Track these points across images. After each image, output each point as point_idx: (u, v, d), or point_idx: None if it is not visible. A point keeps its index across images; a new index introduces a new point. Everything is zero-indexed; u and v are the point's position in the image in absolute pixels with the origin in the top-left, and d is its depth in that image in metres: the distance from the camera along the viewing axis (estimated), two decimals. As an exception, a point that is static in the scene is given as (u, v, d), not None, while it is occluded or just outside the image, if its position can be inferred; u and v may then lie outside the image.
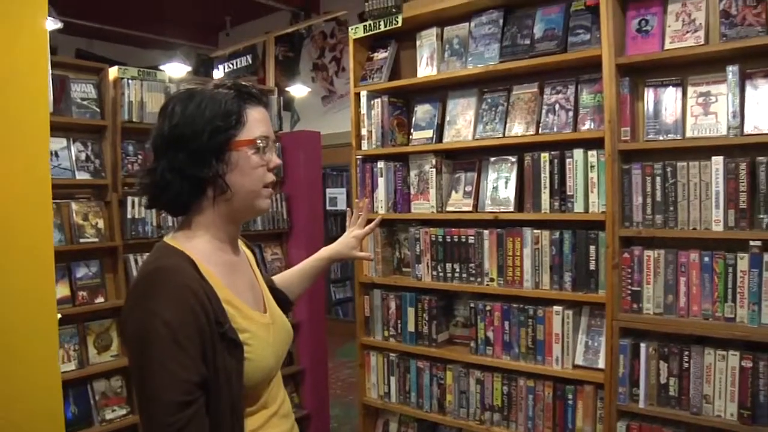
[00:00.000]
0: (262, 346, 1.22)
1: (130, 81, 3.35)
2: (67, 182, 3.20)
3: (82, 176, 3.25)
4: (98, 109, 3.33)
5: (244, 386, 1.16)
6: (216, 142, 1.19)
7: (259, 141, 1.23)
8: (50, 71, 1.34)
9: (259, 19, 7.48)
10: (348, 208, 1.89)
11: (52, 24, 4.17)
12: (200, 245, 1.22)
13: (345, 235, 1.83)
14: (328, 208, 7.69)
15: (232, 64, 7.61)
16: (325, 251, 1.78)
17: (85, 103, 3.29)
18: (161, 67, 5.37)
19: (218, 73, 7.69)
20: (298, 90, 6.69)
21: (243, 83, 1.28)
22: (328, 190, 7.74)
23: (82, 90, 3.29)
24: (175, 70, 5.59)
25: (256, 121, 1.24)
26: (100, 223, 3.28)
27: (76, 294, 3.17)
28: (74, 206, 3.21)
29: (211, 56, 7.81)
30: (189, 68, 5.90)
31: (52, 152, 3.15)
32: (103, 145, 3.34)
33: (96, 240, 3.24)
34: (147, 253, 1.26)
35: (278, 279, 1.68)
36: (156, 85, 3.46)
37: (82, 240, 3.20)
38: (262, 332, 1.24)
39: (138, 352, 1.09)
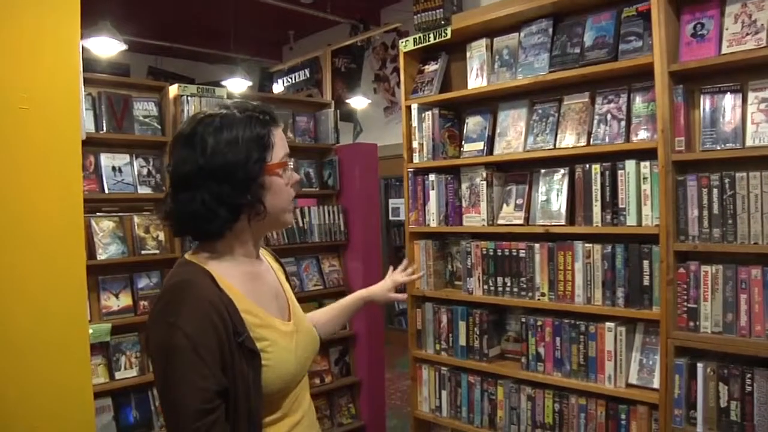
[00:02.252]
0: (282, 354, 1.25)
1: (189, 98, 3.46)
2: (129, 196, 3.33)
3: (143, 191, 3.37)
4: (159, 126, 3.45)
5: (264, 393, 1.20)
6: (256, 168, 1.23)
7: (285, 159, 1.29)
8: (83, 90, 1.39)
9: (321, 32, 7.59)
10: (406, 260, 2.03)
11: (117, 45, 4.37)
12: (220, 259, 1.26)
13: (386, 278, 1.95)
14: (390, 218, 7.68)
15: (291, 78, 7.74)
16: (362, 292, 1.87)
17: (146, 120, 3.42)
18: (223, 83, 5.53)
19: (278, 87, 7.84)
20: (359, 102, 6.74)
21: (260, 105, 1.31)
22: (390, 201, 7.73)
23: (144, 108, 3.42)
24: (237, 85, 5.73)
25: (282, 142, 1.30)
26: (161, 236, 3.39)
27: (138, 303, 3.28)
28: (136, 219, 3.33)
29: (271, 71, 7.97)
30: (250, 83, 6.04)
31: (115, 168, 3.30)
32: (164, 160, 3.46)
33: (157, 252, 3.36)
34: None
35: (310, 316, 1.68)
36: (215, 101, 3.56)
37: (143, 252, 3.32)
38: (283, 340, 1.28)
39: (161, 363, 1.14)
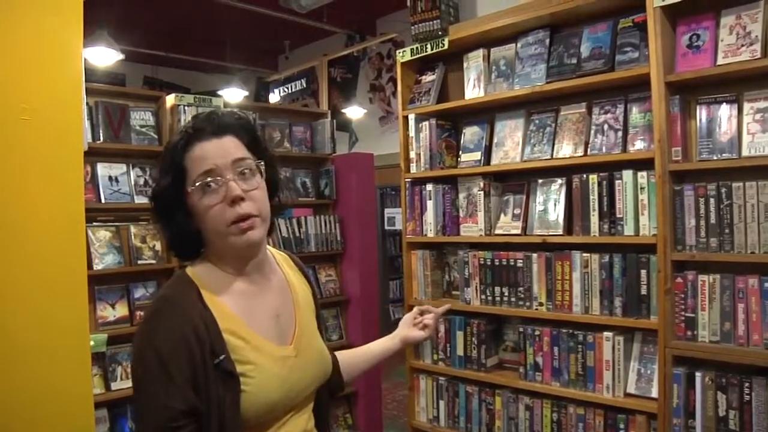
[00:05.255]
0: (266, 380, 1.18)
1: (186, 107, 3.46)
2: (126, 206, 3.33)
3: (140, 200, 3.37)
4: (156, 136, 3.45)
5: (242, 419, 1.14)
6: (171, 197, 1.19)
7: (197, 182, 1.17)
8: (85, 101, 1.39)
9: (317, 42, 7.62)
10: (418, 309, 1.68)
11: (114, 55, 4.37)
12: (214, 275, 1.22)
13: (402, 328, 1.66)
14: (386, 227, 7.68)
15: (287, 88, 7.77)
16: (398, 333, 1.64)
17: (143, 129, 3.42)
18: (220, 92, 5.53)
19: (274, 97, 7.86)
20: (355, 111, 6.76)
21: (194, 120, 1.23)
22: (386, 210, 7.74)
23: (140, 117, 3.42)
24: (233, 95, 5.74)
25: (197, 161, 1.18)
26: (158, 245, 3.38)
27: (134, 314, 3.27)
28: (133, 229, 3.33)
29: (267, 80, 7.98)
30: (246, 93, 6.05)
31: (112, 177, 3.29)
32: (161, 170, 3.45)
33: (153, 261, 3.35)
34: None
35: (347, 356, 1.59)
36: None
37: (140, 262, 3.31)
38: (272, 365, 1.21)
39: (133, 376, 1.14)
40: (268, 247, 1.35)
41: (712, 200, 2.16)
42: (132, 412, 1.13)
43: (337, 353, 1.56)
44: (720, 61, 2.18)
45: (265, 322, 1.25)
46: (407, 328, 1.63)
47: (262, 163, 1.24)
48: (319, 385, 1.35)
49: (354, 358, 1.59)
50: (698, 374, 2.16)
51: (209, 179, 1.16)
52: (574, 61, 2.55)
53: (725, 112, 2.19)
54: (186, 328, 1.11)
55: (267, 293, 1.29)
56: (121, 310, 3.25)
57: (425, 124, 3.04)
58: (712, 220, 2.16)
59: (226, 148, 1.19)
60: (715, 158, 2.18)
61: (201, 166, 1.17)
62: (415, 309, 1.67)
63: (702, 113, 2.24)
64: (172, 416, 1.08)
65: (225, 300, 1.20)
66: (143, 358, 1.10)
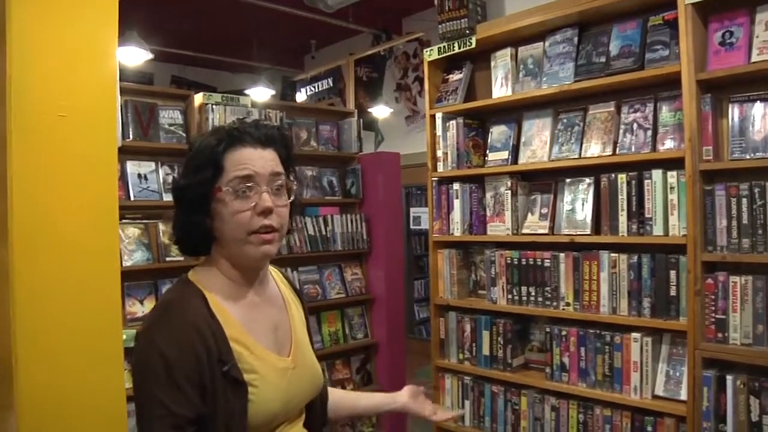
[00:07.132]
0: (268, 390, 1.19)
1: (214, 106, 3.49)
2: (155, 204, 3.37)
3: (169, 198, 3.39)
4: (184, 134, 3.49)
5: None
6: (199, 193, 1.18)
7: (232, 184, 1.17)
8: (119, 99, 1.42)
9: (343, 41, 7.62)
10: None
11: (144, 55, 4.43)
12: (218, 282, 1.22)
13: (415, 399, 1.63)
14: (411, 227, 7.67)
15: (314, 87, 7.79)
16: (399, 397, 1.62)
17: (172, 128, 3.46)
18: (247, 91, 5.57)
19: (301, 96, 7.88)
20: (381, 111, 6.76)
21: (239, 124, 1.24)
22: (412, 209, 7.71)
23: (169, 116, 3.46)
24: (260, 94, 5.78)
25: (237, 164, 1.18)
26: (186, 243, 3.41)
27: (163, 311, 3.30)
28: (161, 226, 3.36)
29: (294, 80, 8.00)
30: (273, 92, 6.07)
31: (141, 175, 3.34)
32: (189, 168, 3.48)
33: (181, 259, 3.37)
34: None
35: (336, 394, 1.58)
36: (239, 109, 3.59)
37: (168, 259, 3.35)
38: (273, 376, 1.21)
39: (136, 379, 1.12)
40: None
41: (744, 200, 2.12)
42: (136, 418, 1.07)
43: (330, 390, 1.55)
44: (755, 58, 2.14)
45: (266, 333, 1.26)
46: (416, 399, 1.61)
47: (295, 183, 1.27)
48: (312, 400, 1.36)
49: (342, 400, 1.58)
50: (729, 377, 2.12)
51: (244, 185, 1.17)
52: (603, 59, 2.52)
53: (759, 110, 2.15)
54: (192, 334, 1.11)
55: (267, 305, 1.30)
56: (150, 306, 3.29)
57: (452, 123, 3.03)
58: (745, 220, 2.12)
59: (268, 159, 1.22)
60: (747, 157, 2.15)
61: (241, 169, 1.18)
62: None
63: (734, 112, 2.20)
64: (177, 424, 1.07)
65: (229, 307, 1.20)
66: (148, 363, 1.08)
